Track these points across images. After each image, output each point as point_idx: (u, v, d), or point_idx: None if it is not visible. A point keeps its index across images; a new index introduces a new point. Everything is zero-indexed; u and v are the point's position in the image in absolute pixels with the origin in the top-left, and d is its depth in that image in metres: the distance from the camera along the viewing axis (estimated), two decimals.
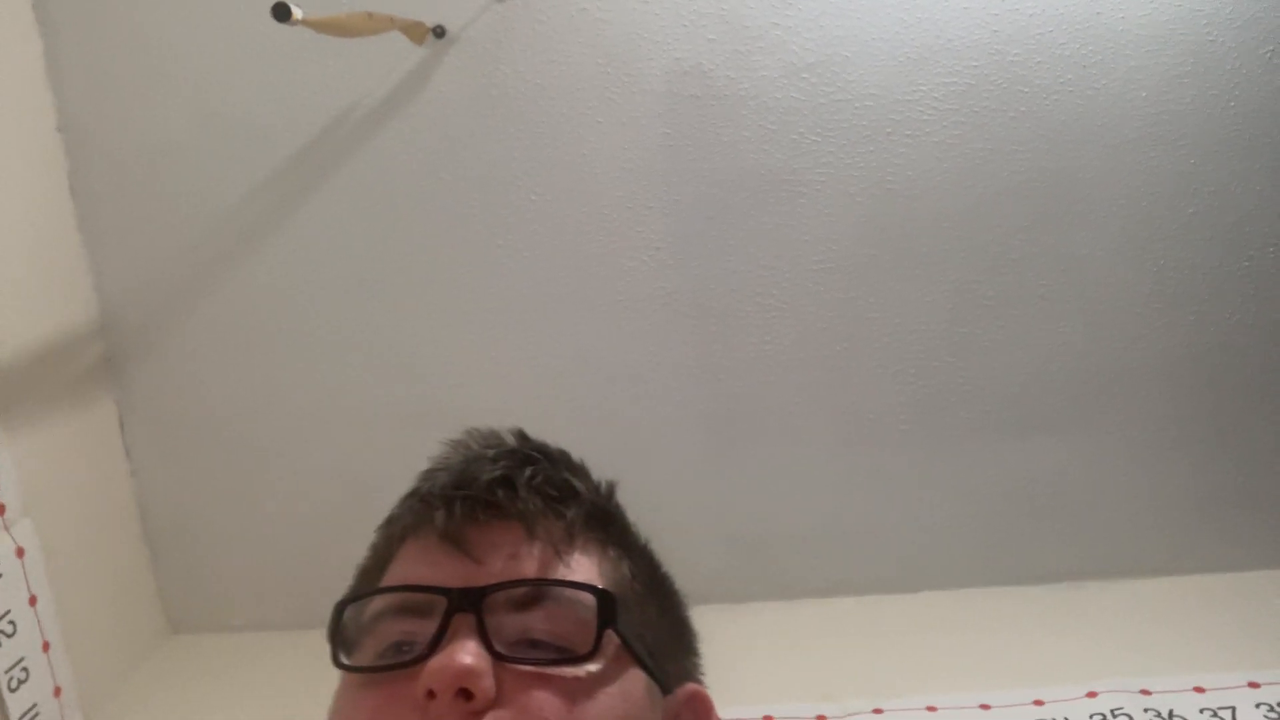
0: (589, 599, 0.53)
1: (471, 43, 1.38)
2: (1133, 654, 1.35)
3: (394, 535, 0.60)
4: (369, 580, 0.60)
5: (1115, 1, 1.34)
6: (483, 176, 1.42)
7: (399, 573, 0.57)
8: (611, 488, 0.64)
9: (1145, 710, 1.25)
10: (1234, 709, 1.24)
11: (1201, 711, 1.24)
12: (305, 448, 1.52)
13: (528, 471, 0.58)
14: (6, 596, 1.21)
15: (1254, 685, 1.27)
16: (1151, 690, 1.28)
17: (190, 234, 1.45)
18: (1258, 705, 1.24)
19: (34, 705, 1.25)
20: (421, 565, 0.56)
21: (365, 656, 0.55)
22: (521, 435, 0.64)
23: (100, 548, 1.45)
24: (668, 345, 1.47)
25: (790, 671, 1.38)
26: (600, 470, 1.47)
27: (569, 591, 0.54)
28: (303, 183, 1.43)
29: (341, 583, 1.67)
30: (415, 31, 1.32)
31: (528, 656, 0.51)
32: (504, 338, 1.47)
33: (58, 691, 1.29)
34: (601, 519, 0.60)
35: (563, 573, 0.55)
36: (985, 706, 1.28)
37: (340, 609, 0.58)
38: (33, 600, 1.26)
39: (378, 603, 0.56)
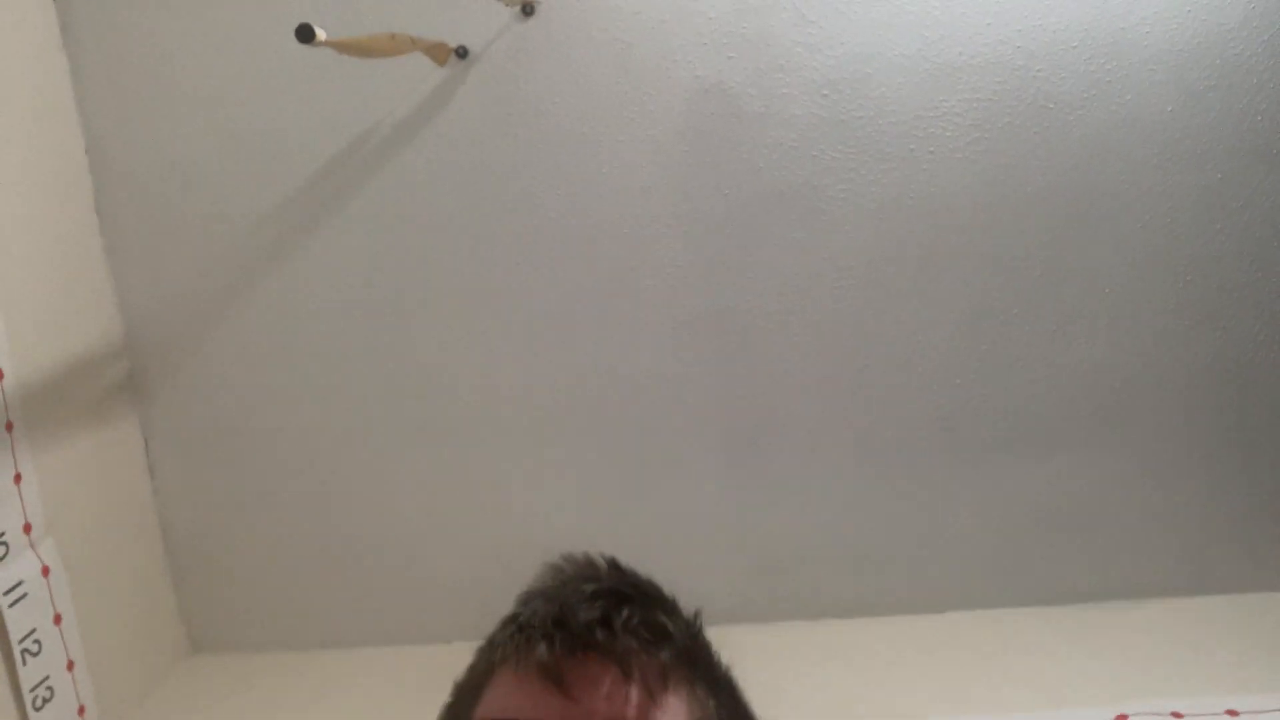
0: None
1: (493, 62, 1.39)
2: (1164, 675, 1.34)
3: (494, 661, 0.62)
4: (467, 700, 0.63)
5: (1139, 17, 1.33)
6: (503, 195, 1.42)
7: (498, 702, 0.60)
8: (699, 624, 0.66)
9: None
10: None
11: None
12: (327, 467, 1.53)
13: (625, 612, 0.60)
14: (32, 615, 1.22)
15: None
16: (1183, 713, 1.25)
17: (214, 253, 1.46)
18: None
19: None
20: (521, 697, 0.58)
21: None
22: (615, 566, 0.66)
23: (123, 567, 1.46)
24: (688, 362, 1.47)
25: (813, 692, 1.37)
26: (621, 492, 1.46)
27: None
28: (325, 202, 1.44)
29: (362, 603, 1.68)
30: (438, 52, 1.33)
31: None
32: (525, 355, 1.48)
33: (81, 710, 1.30)
34: (691, 658, 0.63)
35: (657, 716, 0.57)
36: None
37: None
38: (57, 619, 1.26)
39: None
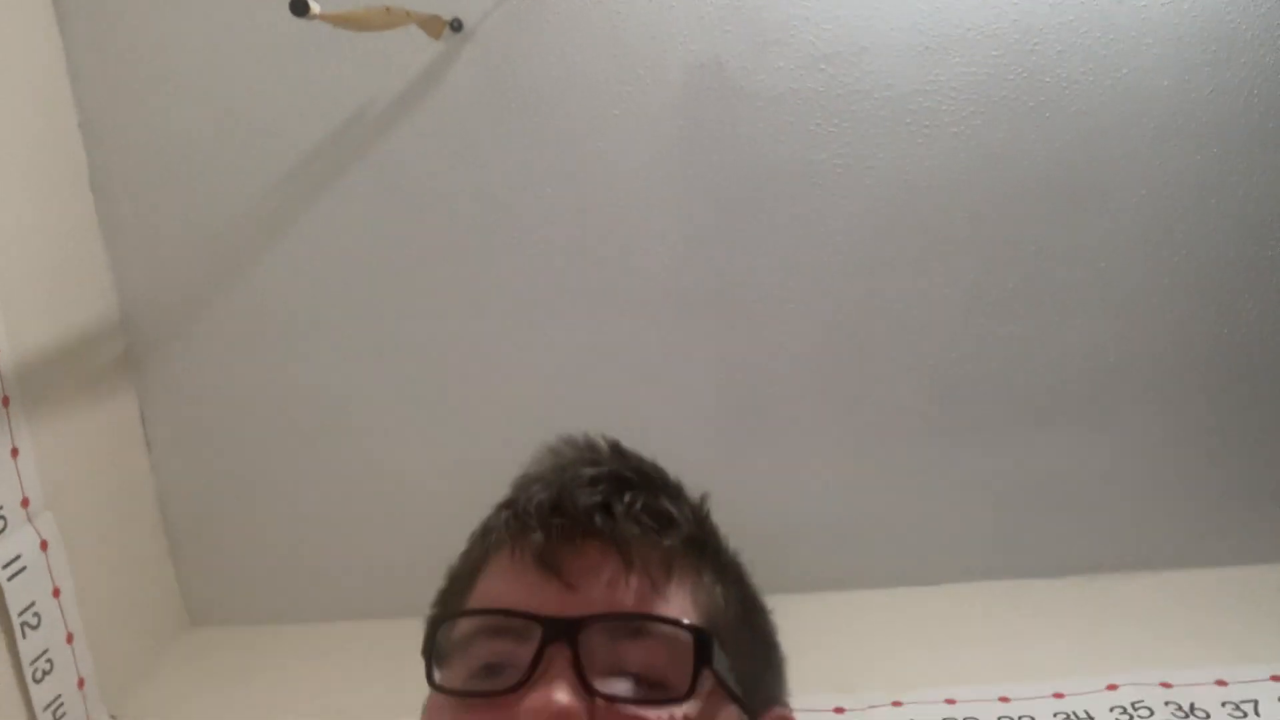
0: (686, 637, 0.53)
1: (488, 37, 1.38)
2: (1153, 647, 1.35)
3: (489, 546, 0.60)
4: (460, 588, 0.61)
5: None
6: (498, 170, 1.42)
7: (493, 590, 0.57)
8: (706, 509, 0.64)
9: (1166, 703, 1.24)
10: (1256, 702, 1.23)
11: (1223, 705, 1.23)
12: (324, 441, 1.53)
13: (626, 497, 0.58)
14: (31, 589, 1.22)
15: (1277, 679, 1.26)
16: (1173, 683, 1.27)
17: (209, 229, 1.46)
18: None
19: (58, 696, 1.26)
20: (516, 586, 0.56)
21: (456, 677, 0.55)
22: (617, 450, 0.64)
23: (121, 540, 1.47)
24: (684, 339, 1.47)
25: (809, 664, 1.37)
26: None
27: (666, 627, 0.54)
28: (320, 178, 1.44)
29: (361, 576, 1.69)
30: (432, 25, 1.32)
31: (623, 695, 0.51)
32: (521, 333, 1.48)
33: (81, 683, 1.31)
34: (697, 545, 0.60)
35: (660, 605, 0.55)
36: (1005, 699, 1.28)
37: (434, 626, 0.58)
38: (56, 592, 1.27)
39: (471, 622, 0.56)
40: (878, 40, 1.36)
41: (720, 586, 0.60)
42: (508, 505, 0.61)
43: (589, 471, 0.59)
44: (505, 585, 0.57)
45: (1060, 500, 1.51)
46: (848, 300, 1.45)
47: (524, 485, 0.62)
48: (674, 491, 0.62)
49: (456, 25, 1.37)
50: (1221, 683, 1.26)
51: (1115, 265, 1.43)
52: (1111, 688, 1.27)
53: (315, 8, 0.99)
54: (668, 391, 1.49)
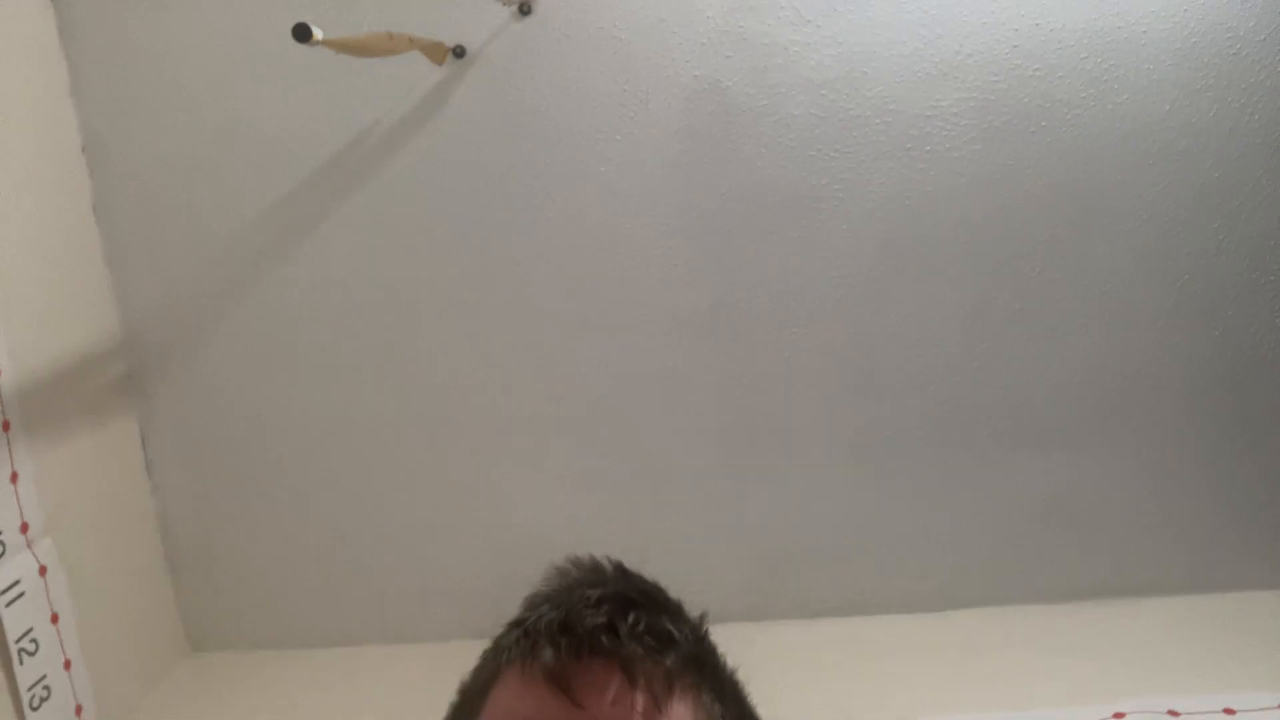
0: None
1: (491, 61, 1.39)
2: (1161, 674, 1.34)
3: (500, 663, 0.63)
4: (473, 704, 0.63)
5: (1137, 15, 1.33)
6: (502, 193, 1.42)
7: (504, 705, 0.60)
8: (705, 629, 0.66)
9: None
10: None
11: None
12: (325, 466, 1.53)
13: (630, 617, 0.60)
14: (29, 615, 1.22)
15: None
16: (1180, 711, 1.26)
17: (212, 252, 1.46)
18: None
19: None
20: (527, 702, 0.58)
21: None
22: (621, 571, 0.67)
23: (121, 566, 1.46)
24: (686, 360, 1.47)
25: (813, 691, 1.37)
26: (620, 489, 1.46)
27: None
28: (323, 201, 1.44)
29: (361, 601, 1.67)
30: (435, 52, 1.33)
31: None
32: (523, 353, 1.47)
33: (79, 710, 1.29)
34: (697, 663, 0.63)
35: None
36: None
37: None
38: (54, 618, 1.26)
39: None
40: (878, 66, 1.36)
41: (719, 705, 0.63)
42: (518, 624, 0.63)
43: (595, 593, 0.62)
44: (516, 701, 0.59)
45: (1065, 524, 1.50)
46: (849, 322, 1.45)
47: (533, 604, 0.64)
48: (675, 611, 0.65)
49: (459, 52, 1.37)
50: (1230, 711, 1.25)
51: (1116, 287, 1.43)
52: (1118, 716, 1.26)
53: (318, 33, 0.99)
54: (670, 412, 1.49)
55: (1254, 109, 1.36)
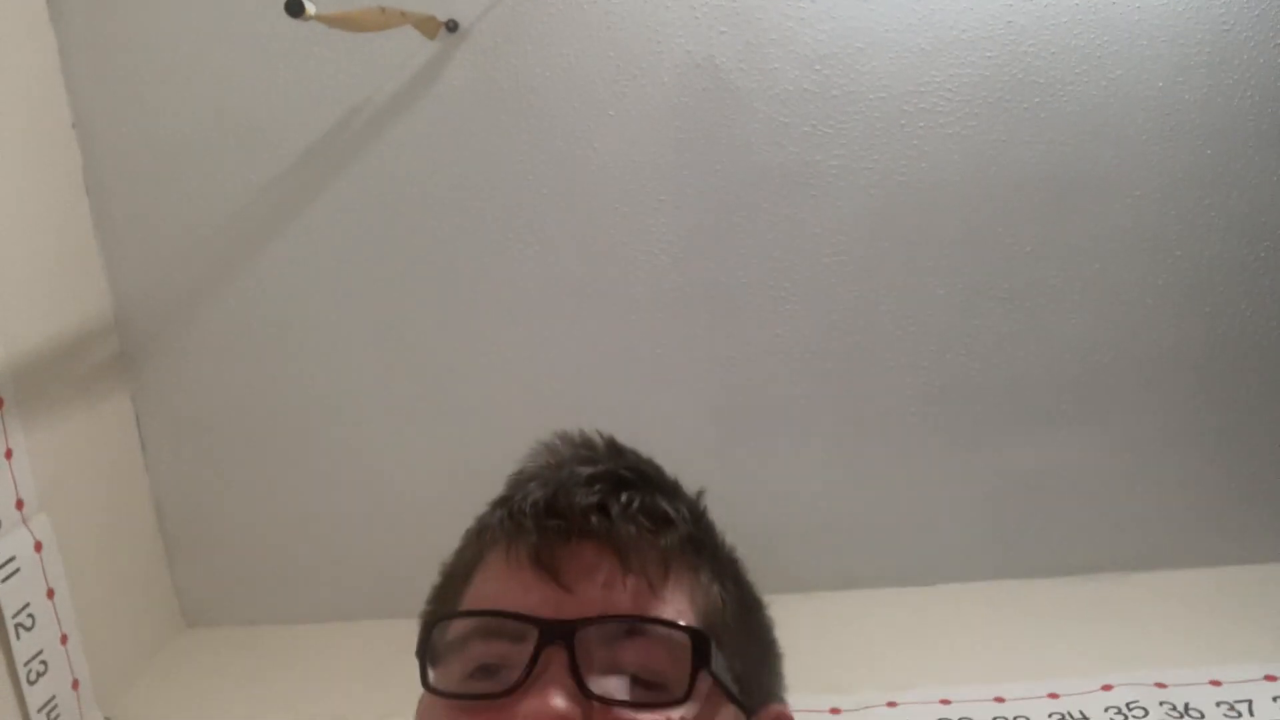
0: (683, 638, 0.53)
1: (482, 37, 1.38)
2: (1148, 647, 1.35)
3: (484, 545, 0.59)
4: (455, 587, 0.60)
5: None
6: (493, 170, 1.42)
7: (488, 590, 0.57)
8: (703, 506, 0.63)
9: (1160, 703, 1.24)
10: (1250, 702, 1.23)
11: (1218, 705, 1.23)
12: (319, 442, 1.53)
13: (623, 497, 0.57)
14: (25, 590, 1.22)
15: (1271, 678, 1.26)
16: (1167, 683, 1.27)
17: (204, 230, 1.46)
18: (1275, 699, 1.23)
19: (53, 698, 1.26)
20: (512, 586, 0.55)
21: (451, 678, 0.54)
22: (613, 447, 0.63)
23: (116, 542, 1.46)
24: (678, 339, 1.47)
25: (803, 665, 1.37)
26: None
27: (663, 630, 0.53)
28: (315, 178, 1.43)
29: (356, 577, 1.68)
30: (428, 26, 1.32)
31: (620, 698, 0.50)
32: (514, 332, 1.48)
33: (75, 684, 1.30)
34: (695, 544, 0.60)
35: (657, 607, 0.54)
36: (999, 699, 1.28)
37: (428, 626, 0.58)
38: (50, 594, 1.27)
39: (466, 623, 0.55)
40: (873, 42, 1.36)
41: (718, 586, 0.60)
42: (503, 503, 0.60)
43: (585, 470, 0.59)
44: (501, 586, 0.56)
45: (1055, 500, 1.52)
46: (844, 300, 1.45)
47: (519, 483, 0.61)
48: (671, 490, 0.62)
49: (452, 26, 1.37)
50: (1216, 683, 1.27)
51: (1111, 265, 1.43)
52: (1106, 688, 1.27)
53: (310, 8, 0.99)
54: (663, 390, 1.49)
55: (1247, 87, 1.36)
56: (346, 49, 1.37)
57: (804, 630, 1.47)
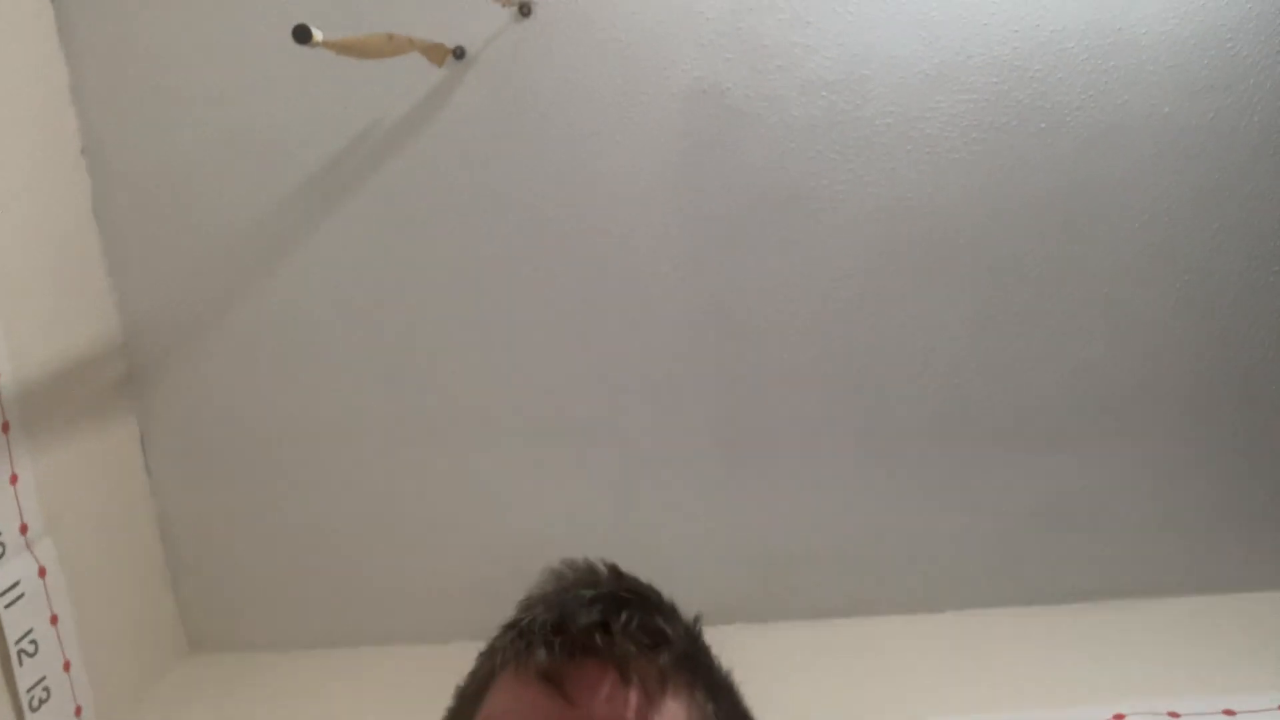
0: None
1: (491, 63, 1.39)
2: (1160, 675, 1.34)
3: (495, 665, 0.63)
4: (468, 708, 0.64)
5: (1136, 16, 1.33)
6: (502, 194, 1.42)
7: (499, 707, 0.60)
8: (699, 628, 0.67)
9: None
10: None
11: None
12: (326, 467, 1.52)
13: (623, 616, 0.61)
14: (29, 616, 1.22)
15: None
16: (1180, 712, 1.25)
17: (211, 254, 1.46)
18: None
19: None
20: (521, 703, 0.59)
21: None
22: (615, 572, 0.67)
23: (121, 567, 1.46)
24: (686, 361, 1.47)
25: (814, 693, 1.37)
26: (620, 491, 1.45)
27: None
28: (322, 202, 1.44)
29: (360, 603, 1.67)
30: (435, 53, 1.33)
31: None
32: (522, 353, 1.47)
33: (79, 711, 1.29)
34: (690, 662, 0.63)
35: (655, 719, 0.58)
36: None
37: None
38: (54, 619, 1.26)
39: None
40: (879, 68, 1.36)
41: (712, 704, 0.63)
42: (512, 626, 0.64)
43: (588, 593, 0.63)
44: (511, 702, 0.60)
45: (1065, 525, 1.50)
46: (851, 323, 1.45)
47: (527, 606, 0.65)
48: (668, 611, 0.65)
49: (459, 53, 1.38)
50: (1230, 712, 1.25)
51: (1118, 288, 1.43)
52: (1118, 717, 1.26)
53: (318, 35, 0.99)
54: (668, 411, 1.49)
55: (1254, 110, 1.36)
56: (355, 73, 1.38)
57: (814, 657, 1.46)
